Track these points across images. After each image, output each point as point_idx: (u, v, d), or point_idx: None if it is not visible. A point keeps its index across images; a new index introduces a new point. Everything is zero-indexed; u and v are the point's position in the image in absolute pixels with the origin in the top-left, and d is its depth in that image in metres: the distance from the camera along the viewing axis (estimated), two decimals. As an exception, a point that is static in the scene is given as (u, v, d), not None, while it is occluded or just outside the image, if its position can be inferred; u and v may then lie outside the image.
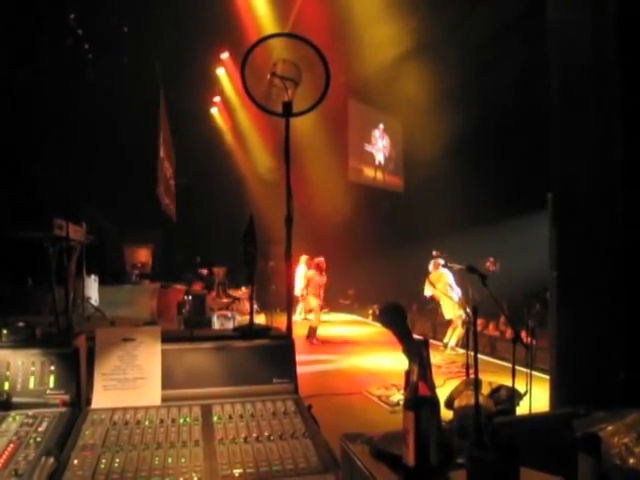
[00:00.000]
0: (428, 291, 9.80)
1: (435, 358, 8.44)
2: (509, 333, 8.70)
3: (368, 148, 16.11)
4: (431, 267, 9.58)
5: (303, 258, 11.74)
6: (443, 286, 9.35)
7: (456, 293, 9.32)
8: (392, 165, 16.86)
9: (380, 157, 16.52)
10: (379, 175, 16.39)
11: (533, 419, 1.96)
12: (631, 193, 2.53)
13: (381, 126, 16.40)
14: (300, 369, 1.97)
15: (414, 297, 12.66)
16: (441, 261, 9.25)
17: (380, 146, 16.47)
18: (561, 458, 1.04)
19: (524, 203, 8.95)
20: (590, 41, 2.79)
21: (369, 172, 16.11)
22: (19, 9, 8.26)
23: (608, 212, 2.63)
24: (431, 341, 9.36)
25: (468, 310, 9.06)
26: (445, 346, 9.43)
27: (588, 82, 2.81)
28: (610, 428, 1.23)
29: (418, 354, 1.14)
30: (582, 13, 2.86)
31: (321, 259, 11.41)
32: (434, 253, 9.66)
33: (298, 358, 1.98)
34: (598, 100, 2.72)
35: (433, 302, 10.18)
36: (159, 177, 12.74)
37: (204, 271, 12.50)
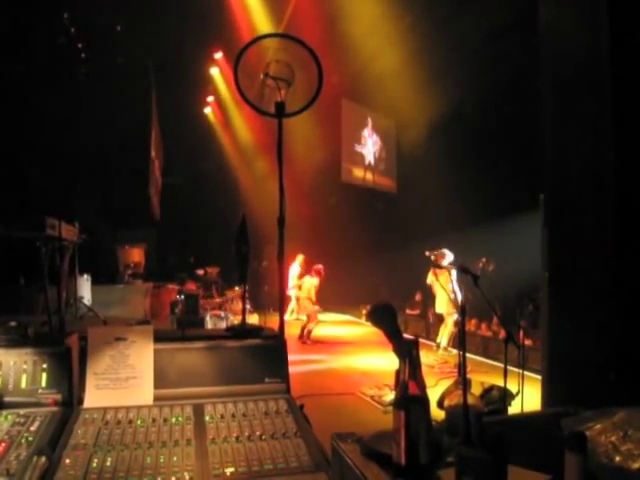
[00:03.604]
0: (429, 280, 9.78)
1: (428, 358, 8.46)
2: (502, 333, 8.73)
3: (358, 148, 16.02)
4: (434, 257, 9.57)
5: (299, 258, 11.70)
6: (445, 279, 9.34)
7: (454, 292, 9.32)
8: (383, 166, 16.75)
9: (370, 157, 16.41)
10: (368, 176, 16.26)
11: (522, 418, 1.97)
12: (623, 194, 2.54)
13: (371, 126, 16.33)
14: (292, 369, 1.97)
15: (407, 297, 12.72)
16: (447, 252, 9.27)
17: (370, 146, 16.39)
18: (549, 456, 1.05)
19: (517, 203, 8.99)
20: (582, 42, 2.81)
21: (358, 173, 15.99)
22: (12, 7, 8.23)
23: (600, 213, 2.64)
24: (424, 341, 9.43)
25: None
26: (438, 346, 9.45)
27: (580, 83, 2.82)
28: (597, 427, 1.24)
29: (408, 353, 1.15)
30: (574, 13, 2.87)
31: (320, 266, 11.41)
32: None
33: (290, 358, 1.99)
34: (590, 101, 2.73)
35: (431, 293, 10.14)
36: (150, 177, 12.72)
37: (200, 272, 12.48)
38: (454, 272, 9.15)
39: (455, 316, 9.29)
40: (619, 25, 2.60)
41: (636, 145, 2.56)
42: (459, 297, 9.30)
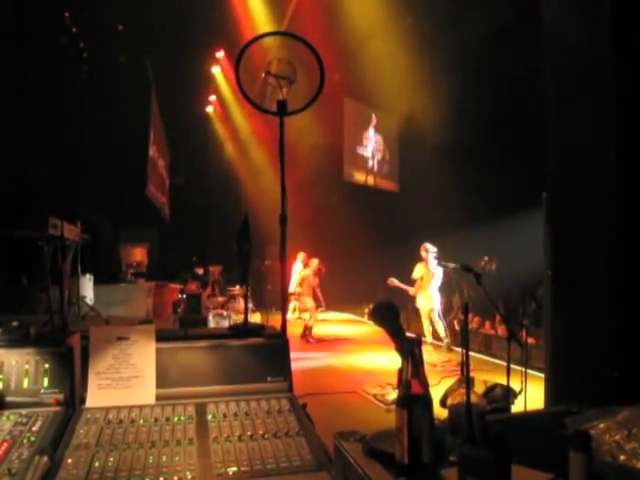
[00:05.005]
0: (419, 274, 9.73)
1: (431, 357, 8.46)
2: (504, 331, 8.72)
3: (360, 150, 15.80)
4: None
5: (300, 256, 11.71)
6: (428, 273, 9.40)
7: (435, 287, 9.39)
8: (385, 168, 16.52)
9: (373, 161, 16.15)
10: (370, 179, 16.09)
11: (525, 417, 1.97)
12: (625, 192, 2.54)
13: (374, 125, 16.18)
14: (295, 368, 1.97)
15: (409, 296, 12.66)
16: (430, 246, 9.30)
17: (373, 148, 16.21)
18: (553, 455, 1.05)
19: (519, 202, 8.96)
20: (585, 41, 2.80)
21: (360, 176, 15.76)
22: (14, 8, 8.24)
23: (602, 212, 2.64)
24: (431, 340, 9.42)
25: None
26: (446, 345, 9.41)
27: (583, 82, 2.81)
28: (602, 425, 1.23)
29: (410, 352, 1.14)
30: (577, 14, 2.87)
31: (315, 260, 11.42)
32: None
33: (293, 356, 1.98)
34: (593, 100, 2.73)
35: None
36: (149, 176, 12.73)
37: (200, 270, 12.50)
38: (438, 269, 9.19)
39: (436, 311, 9.34)
40: (621, 24, 2.59)
41: (638, 143, 2.55)
42: (437, 294, 9.35)
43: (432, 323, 9.57)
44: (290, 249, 2.37)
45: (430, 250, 9.37)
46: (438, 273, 9.38)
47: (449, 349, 9.20)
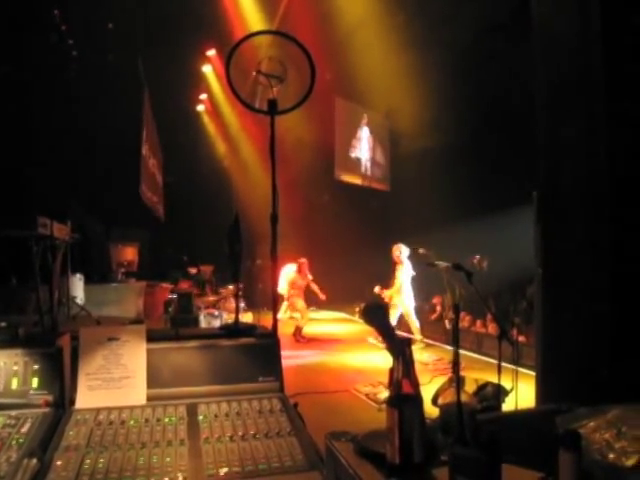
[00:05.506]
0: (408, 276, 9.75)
1: (422, 356, 8.47)
2: (493, 329, 8.75)
3: (352, 153, 15.64)
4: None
5: (296, 263, 11.64)
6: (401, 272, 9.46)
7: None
8: (377, 169, 16.37)
9: (366, 164, 15.99)
10: (362, 181, 16.02)
11: (516, 415, 1.97)
12: (615, 192, 2.55)
13: (366, 124, 16.05)
14: (286, 367, 1.97)
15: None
16: (403, 246, 9.31)
17: (365, 150, 16.08)
18: (543, 454, 1.05)
19: (511, 200, 8.98)
20: (576, 39, 2.81)
21: (351, 178, 15.65)
22: (3, 5, 8.17)
23: (593, 210, 2.65)
24: (421, 338, 9.43)
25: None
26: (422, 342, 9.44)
27: (573, 81, 2.82)
28: (591, 424, 1.24)
29: (401, 352, 1.14)
30: (568, 11, 2.88)
31: (303, 260, 11.39)
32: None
33: (284, 355, 1.98)
34: (583, 98, 2.74)
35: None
36: (142, 175, 12.67)
37: (194, 270, 12.46)
38: (408, 267, 9.22)
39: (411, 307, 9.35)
40: (612, 21, 2.60)
41: (629, 142, 2.57)
42: (410, 290, 9.35)
43: (407, 318, 9.52)
44: (281, 248, 2.36)
45: (403, 251, 9.39)
46: (408, 269, 9.40)
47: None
